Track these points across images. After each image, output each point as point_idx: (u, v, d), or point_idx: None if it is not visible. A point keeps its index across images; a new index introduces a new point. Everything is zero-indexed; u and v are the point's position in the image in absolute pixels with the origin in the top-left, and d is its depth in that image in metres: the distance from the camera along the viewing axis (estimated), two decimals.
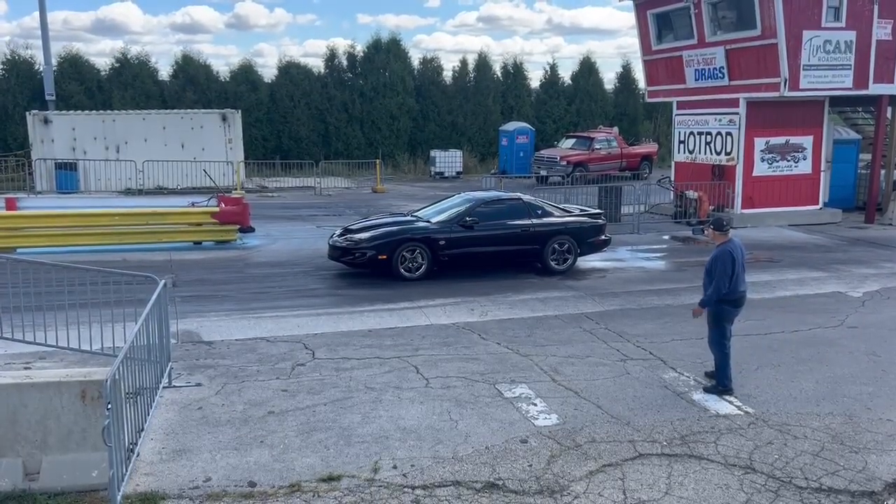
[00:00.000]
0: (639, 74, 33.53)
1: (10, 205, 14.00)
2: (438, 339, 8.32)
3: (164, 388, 6.38)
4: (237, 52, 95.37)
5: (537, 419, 6.10)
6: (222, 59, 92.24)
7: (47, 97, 26.70)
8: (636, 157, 28.79)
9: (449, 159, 30.26)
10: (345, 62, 34.65)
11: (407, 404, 6.35)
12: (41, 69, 28.62)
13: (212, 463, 5.19)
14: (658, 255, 14.14)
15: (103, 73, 31.98)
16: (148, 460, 5.18)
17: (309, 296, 10.40)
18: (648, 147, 30.30)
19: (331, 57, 34.33)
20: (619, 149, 28.27)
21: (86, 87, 30.45)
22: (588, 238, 12.48)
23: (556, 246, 12.17)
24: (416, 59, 35.85)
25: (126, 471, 4.67)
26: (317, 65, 35.10)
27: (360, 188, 26.13)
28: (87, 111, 26.19)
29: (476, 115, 34.91)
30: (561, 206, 13.40)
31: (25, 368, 6.61)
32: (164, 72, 33.41)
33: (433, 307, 9.74)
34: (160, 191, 22.60)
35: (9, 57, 30.93)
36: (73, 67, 30.89)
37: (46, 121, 24.15)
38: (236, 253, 13.52)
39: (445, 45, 69.02)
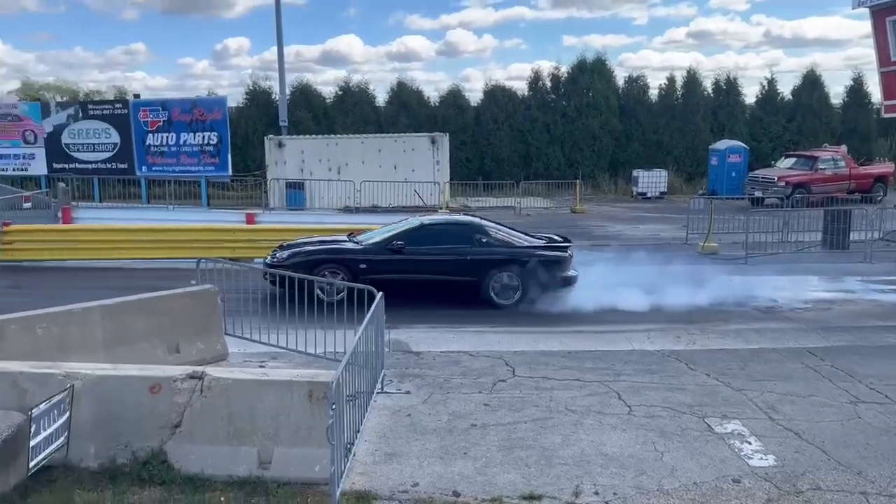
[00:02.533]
0: (873, 88, 30.31)
1: (250, 219, 15.74)
2: (641, 365, 8.04)
3: (377, 393, 6.77)
4: (445, 78, 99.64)
5: (752, 459, 5.67)
6: (432, 85, 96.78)
7: (281, 123, 29.64)
8: (868, 179, 25.89)
9: (652, 179, 29.30)
10: (548, 84, 34.84)
11: (609, 430, 6.20)
12: (276, 98, 31.88)
13: (419, 469, 5.42)
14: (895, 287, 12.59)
15: (328, 101, 34.89)
16: (362, 461, 5.52)
17: (509, 313, 10.52)
18: (883, 167, 27.13)
19: (535, 79, 34.70)
20: (848, 169, 25.60)
21: (313, 114, 33.41)
22: (539, 273, 10.75)
23: (497, 279, 10.84)
24: (620, 78, 35.12)
25: (344, 469, 5.01)
26: (520, 87, 35.61)
27: (559, 208, 26.07)
28: (313, 136, 28.74)
29: (683, 134, 33.46)
30: (526, 235, 11.82)
31: (260, 367, 7.35)
32: (381, 98, 35.70)
33: (636, 332, 9.44)
34: (374, 209, 24.14)
35: (251, 88, 34.84)
36: (304, 96, 34.04)
37: (280, 144, 26.86)
38: None
39: (652, 62, 66.98)
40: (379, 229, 12.07)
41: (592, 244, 17.49)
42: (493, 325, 9.80)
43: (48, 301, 10.15)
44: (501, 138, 33.44)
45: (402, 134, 28.49)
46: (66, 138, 28.50)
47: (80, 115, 28.55)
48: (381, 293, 6.89)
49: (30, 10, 73.24)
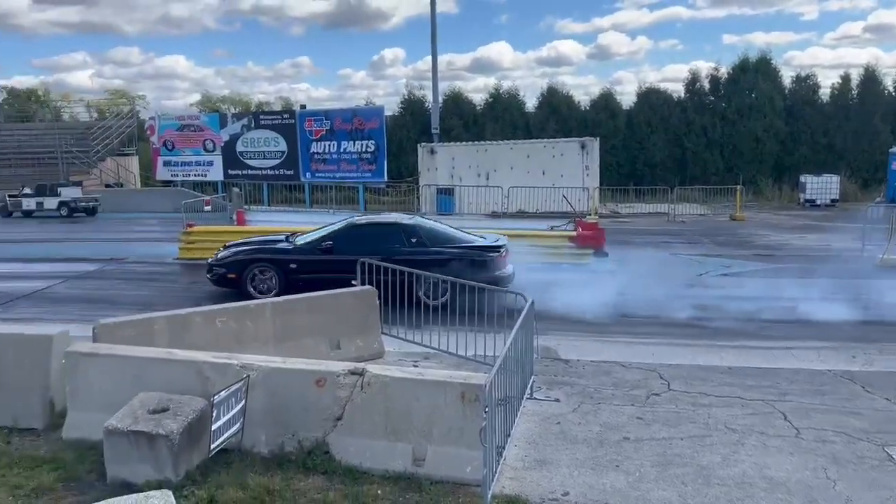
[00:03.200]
0: None
1: None
2: (810, 385, 7.47)
3: (526, 399, 6.77)
4: (596, 82, 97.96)
5: None
6: (582, 89, 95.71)
7: (433, 131, 30.46)
8: None
9: (822, 185, 27.17)
10: (707, 85, 33.35)
11: (774, 453, 5.80)
12: (429, 106, 32.79)
13: (569, 478, 5.35)
14: None
15: (478, 108, 35.43)
16: (512, 465, 5.53)
17: (663, 324, 10.15)
18: None
19: (692, 81, 33.37)
20: None
21: (464, 121, 34.05)
22: (467, 273, 9.87)
23: (426, 280, 10.21)
24: (786, 77, 32.94)
25: (495, 472, 5.05)
26: (676, 89, 34.41)
27: (717, 215, 24.82)
28: (464, 142, 29.27)
29: (859, 136, 30.81)
30: (466, 235, 11.55)
31: (414, 366, 7.57)
32: (530, 104, 35.76)
33: (804, 349, 8.78)
34: (521, 214, 24.18)
35: (406, 97, 36.09)
36: (455, 103, 34.78)
37: (432, 151, 27.58)
38: (590, 276, 13.75)
39: (822, 60, 62.34)
40: (313, 230, 12.06)
41: (754, 254, 16.50)
42: (646, 336, 9.49)
43: (224, 297, 11.11)
44: (655, 142, 32.40)
45: (551, 139, 28.38)
46: (240, 147, 30.89)
47: (253, 125, 30.86)
48: (531, 299, 6.88)
49: (210, 28, 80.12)
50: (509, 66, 70.05)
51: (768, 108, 31.50)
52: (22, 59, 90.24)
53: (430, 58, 30.85)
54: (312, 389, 5.52)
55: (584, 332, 9.67)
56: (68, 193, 26.99)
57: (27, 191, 27.37)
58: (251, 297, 10.64)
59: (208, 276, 11.71)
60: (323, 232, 11.68)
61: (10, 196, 27.39)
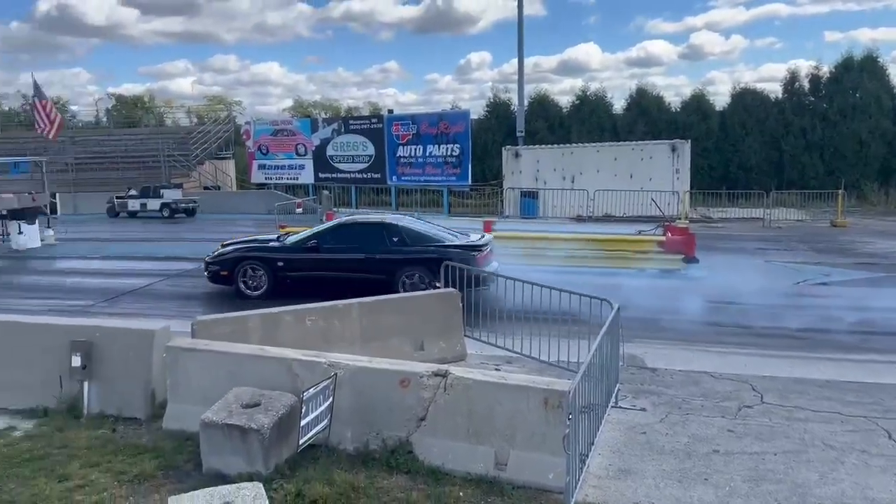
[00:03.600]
0: None
1: (487, 227, 16.26)
2: None
3: (611, 407, 6.65)
4: (687, 83, 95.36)
5: None
6: (672, 90, 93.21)
7: (518, 134, 30.36)
8: None
9: None
10: (806, 85, 31.87)
11: (876, 473, 5.48)
12: (515, 109, 32.70)
13: (655, 490, 5.22)
14: None
15: (564, 110, 35.06)
16: (595, 474, 5.45)
17: (757, 334, 9.75)
18: None
19: (790, 80, 31.96)
20: None
21: (549, 124, 33.77)
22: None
23: (405, 278, 10.90)
24: (894, 76, 31.04)
25: (578, 480, 4.98)
26: (773, 90, 33.02)
27: (816, 221, 23.63)
28: (549, 145, 29.03)
29: None
30: (451, 236, 11.79)
31: (496, 370, 7.56)
32: (618, 105, 35.12)
33: None
34: (607, 218, 23.76)
35: (491, 100, 36.13)
36: (541, 106, 34.54)
37: (517, 155, 27.50)
38: (679, 283, 13.41)
39: None
40: (304, 230, 12.52)
41: (857, 262, 15.62)
42: (738, 346, 9.14)
43: (312, 296, 11.37)
44: (750, 144, 31.20)
45: (639, 141, 27.75)
46: (330, 150, 31.71)
47: (343, 129, 31.62)
48: (617, 305, 6.76)
49: (303, 36, 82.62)
50: (597, 68, 69.10)
51: (874, 108, 29.77)
52: (130, 68, 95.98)
53: (516, 61, 30.87)
54: (397, 389, 5.61)
55: (672, 340, 9.41)
56: (170, 195, 28.43)
57: (132, 192, 29.00)
58: (243, 294, 11.69)
59: (205, 273, 12.12)
60: (310, 231, 12.15)
61: (117, 198, 29.10)
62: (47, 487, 5.00)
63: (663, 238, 14.19)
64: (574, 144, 28.74)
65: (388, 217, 12.46)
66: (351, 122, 32.38)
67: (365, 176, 30.95)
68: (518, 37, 30.25)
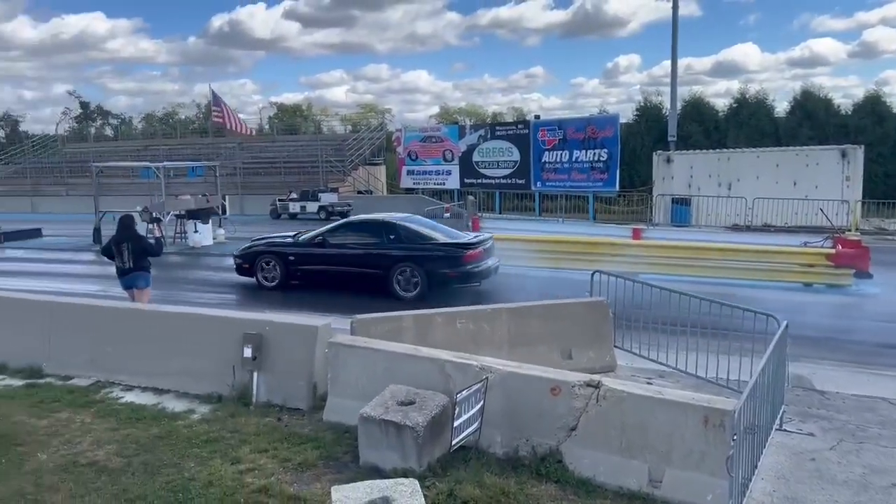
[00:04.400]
0: None
1: (636, 235, 15.82)
2: None
3: (775, 430, 6.24)
4: (857, 83, 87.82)
5: None
6: (840, 91, 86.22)
7: (669, 138, 29.25)
8: None
9: None
10: None
11: None
12: (666, 113, 31.55)
13: None
14: None
15: (720, 114, 33.38)
16: (758, 499, 5.12)
17: None
18: None
19: None
20: None
21: (704, 128, 32.28)
22: (438, 269, 11.76)
23: (400, 273, 11.86)
24: None
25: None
26: None
27: None
28: (703, 150, 27.74)
29: None
30: (451, 234, 12.66)
31: (648, 383, 7.32)
32: (780, 108, 32.96)
33: None
34: (767, 228, 22.34)
35: (641, 104, 35.09)
36: (695, 110, 33.11)
37: (668, 160, 26.51)
38: (850, 299, 12.37)
39: None
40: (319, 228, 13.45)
41: None
42: None
43: (459, 299, 11.60)
44: None
45: (804, 147, 25.88)
46: (476, 156, 32.10)
47: (489, 135, 31.91)
48: (785, 322, 6.33)
49: (451, 44, 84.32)
50: (756, 69, 65.25)
51: None
52: (291, 78, 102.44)
53: (667, 63, 29.80)
54: (547, 397, 5.57)
55: (843, 361, 8.68)
56: (326, 199, 30.00)
57: (293, 196, 30.88)
58: (261, 285, 12.90)
59: (235, 266, 13.40)
60: (321, 229, 13.10)
61: (279, 200, 31.12)
62: (221, 468, 5.41)
63: (832, 251, 13.13)
64: (731, 150, 27.28)
65: (387, 216, 13.27)
66: (497, 128, 32.61)
67: (509, 181, 31.04)
68: (672, 38, 29.18)
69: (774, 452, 5.91)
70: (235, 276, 13.87)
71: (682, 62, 67.57)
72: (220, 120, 34.67)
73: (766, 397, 5.76)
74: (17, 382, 7.60)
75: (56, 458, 5.66)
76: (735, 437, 4.31)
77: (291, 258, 12.71)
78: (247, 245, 13.73)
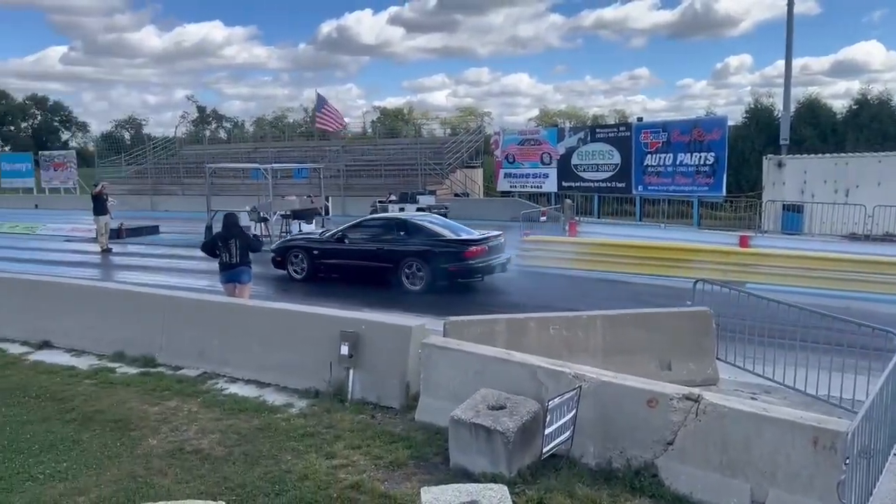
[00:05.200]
0: None
1: (743, 242, 15.12)
2: None
3: (893, 455, 5.78)
4: None
5: None
6: None
7: (781, 142, 27.77)
8: None
9: None
10: None
11: None
12: (778, 115, 30.00)
13: None
14: None
15: (838, 116, 31.46)
16: None
17: None
18: None
19: None
20: None
21: (819, 131, 30.52)
22: (440, 264, 12.66)
23: (407, 268, 12.83)
24: None
25: None
26: None
27: None
28: (819, 154, 26.19)
29: None
30: (451, 231, 13.46)
31: (752, 398, 6.96)
32: None
33: None
34: (888, 237, 20.81)
35: (751, 105, 33.55)
36: (810, 112, 31.36)
37: (780, 164, 25.19)
38: None
39: None
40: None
41: None
42: None
43: (553, 304, 11.49)
44: None
45: None
46: (575, 159, 31.64)
47: (589, 138, 31.37)
48: None
49: (553, 46, 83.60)
50: (879, 68, 61.09)
51: None
52: (394, 82, 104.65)
53: (781, 63, 28.34)
54: (643, 409, 5.40)
55: None
56: (424, 201, 30.34)
57: (392, 197, 31.44)
58: (292, 278, 13.98)
59: (271, 260, 14.33)
60: (343, 226, 14.27)
61: (378, 202, 31.73)
62: (316, 463, 5.55)
63: None
64: (850, 154, 25.59)
65: (407, 215, 14.95)
66: (598, 130, 32.00)
67: (609, 185, 30.37)
68: (786, 36, 27.66)
69: (892, 479, 5.48)
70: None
71: (798, 62, 64.16)
72: (324, 125, 35.85)
73: (884, 419, 5.35)
74: (133, 370, 8.09)
75: (164, 443, 5.98)
76: (848, 461, 4.02)
77: (316, 252, 13.74)
78: (282, 241, 15.14)
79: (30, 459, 5.66)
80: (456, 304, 12.29)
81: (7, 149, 67.73)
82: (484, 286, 14.15)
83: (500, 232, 14.43)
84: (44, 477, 5.37)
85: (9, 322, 9.69)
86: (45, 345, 9.15)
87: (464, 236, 13.45)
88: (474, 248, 13.03)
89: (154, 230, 25.32)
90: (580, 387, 5.46)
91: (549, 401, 5.20)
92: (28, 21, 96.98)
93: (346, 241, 13.69)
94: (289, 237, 15.26)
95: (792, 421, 4.89)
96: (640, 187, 29.29)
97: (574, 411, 5.39)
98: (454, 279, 13.00)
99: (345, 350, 6.99)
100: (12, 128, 74.73)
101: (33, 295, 9.88)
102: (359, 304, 11.40)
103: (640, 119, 32.17)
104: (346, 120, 38.37)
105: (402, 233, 13.34)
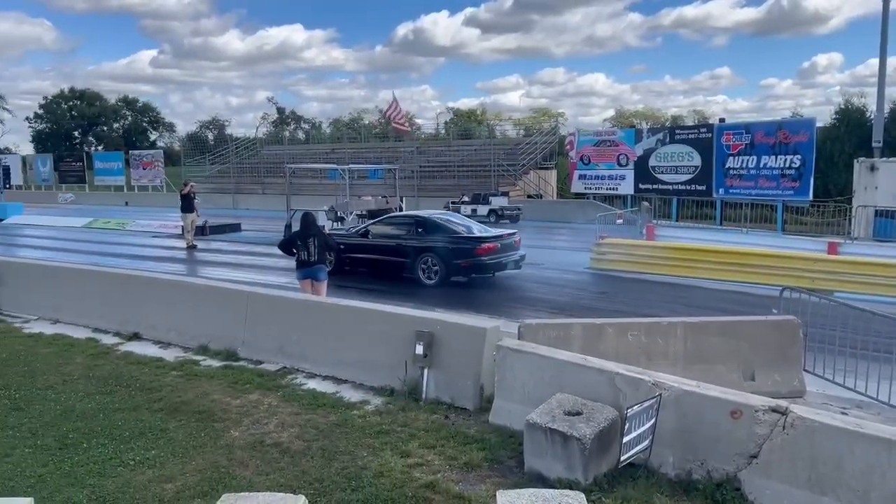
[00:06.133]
0: None
1: (832, 249, 14.44)
2: None
3: None
4: None
5: None
6: None
7: (874, 144, 26.40)
8: None
9: None
10: None
11: None
12: (871, 116, 28.54)
13: None
14: None
15: None
16: None
17: None
18: None
19: None
20: None
21: None
22: (453, 259, 13.31)
23: (423, 263, 13.48)
24: None
25: None
26: None
27: None
28: None
29: None
30: (465, 228, 14.07)
31: (842, 413, 6.64)
32: None
33: None
34: None
35: (842, 106, 32.04)
36: None
37: (873, 168, 23.96)
38: None
39: None
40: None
41: None
42: None
43: (630, 309, 11.28)
44: None
45: None
46: (652, 161, 30.98)
47: (668, 139, 30.66)
48: None
49: (630, 45, 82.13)
50: None
51: None
52: (467, 83, 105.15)
53: (874, 61, 26.90)
54: (726, 420, 5.22)
55: None
56: (497, 202, 30.34)
57: (465, 199, 31.54)
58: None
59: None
60: (367, 223, 15.15)
61: (451, 203, 31.88)
62: (391, 460, 5.61)
63: None
64: None
65: (426, 213, 15.13)
66: (677, 131, 31.23)
67: (688, 188, 29.60)
68: (881, 33, 26.27)
69: None
70: None
71: (892, 61, 60.79)
72: (399, 125, 36.30)
73: None
74: (217, 363, 8.38)
75: (246, 435, 6.17)
76: None
77: (342, 246, 14.14)
78: None
79: (121, 446, 5.93)
80: (526, 305, 12.25)
81: (100, 148, 71.49)
82: (556, 288, 14.03)
83: (515, 230, 15.23)
84: (134, 463, 5.62)
85: (102, 314, 10.19)
86: (135, 336, 9.57)
87: (477, 234, 14.08)
88: (486, 244, 13.61)
89: (236, 228, 26.20)
90: (660, 395, 5.33)
91: (627, 408, 5.09)
92: (121, 26, 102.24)
93: (369, 236, 14.38)
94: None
95: (888, 438, 4.64)
96: (721, 190, 28.43)
97: (653, 420, 5.26)
98: (467, 274, 13.68)
99: (420, 349, 7.04)
100: (105, 128, 78.82)
101: (125, 289, 10.35)
102: (420, 302, 11.50)
103: (721, 120, 31.20)
104: (417, 121, 38.74)
105: (420, 229, 13.95)
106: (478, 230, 14.36)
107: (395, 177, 25.64)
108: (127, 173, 48.97)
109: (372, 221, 15.21)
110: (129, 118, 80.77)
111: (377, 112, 68.22)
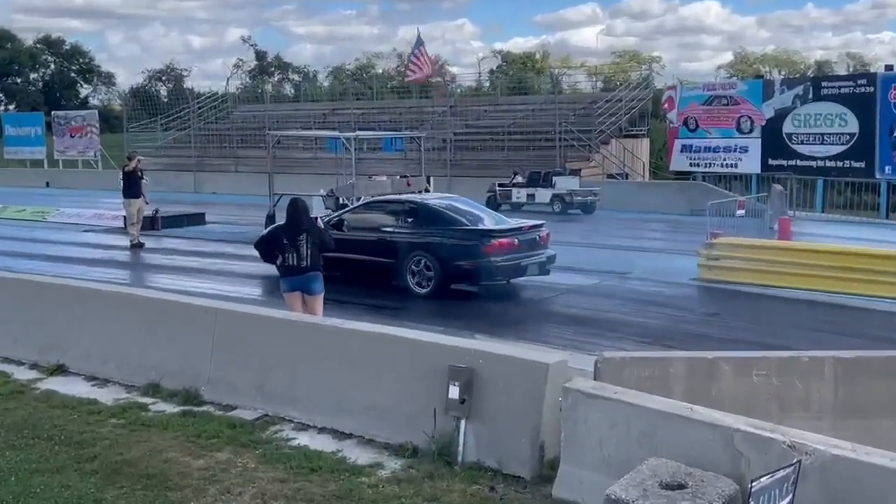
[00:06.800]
0: None
1: None
2: None
3: None
4: None
5: None
6: None
7: None
8: None
9: None
10: None
11: None
12: None
13: None
14: None
15: None
16: None
17: None
18: None
19: None
20: None
21: None
22: (452, 259, 13.42)
23: (413, 264, 13.63)
24: None
25: None
26: None
27: None
28: None
29: None
30: (469, 218, 14.41)
31: None
32: None
33: None
34: None
35: None
36: None
37: None
38: None
39: None
40: None
41: None
42: None
43: (753, 339, 11.17)
44: None
45: None
46: (787, 126, 30.66)
47: (811, 95, 30.30)
48: None
49: None
50: None
51: None
52: (523, 16, 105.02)
53: None
54: None
55: None
56: (563, 185, 30.21)
57: (518, 180, 31.49)
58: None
59: None
60: (343, 211, 15.77)
61: (499, 185, 31.81)
62: None
63: None
64: None
65: (411, 196, 15.86)
66: (824, 83, 30.87)
67: (840, 164, 29.24)
68: None
69: None
70: None
71: None
72: (415, 74, 36.53)
73: None
74: (172, 408, 8.49)
75: None
76: None
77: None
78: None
79: None
80: (604, 331, 12.21)
81: (12, 108, 72.91)
82: (648, 306, 13.94)
83: (543, 222, 15.43)
84: None
85: (14, 338, 10.37)
86: (60, 369, 9.74)
87: (486, 226, 14.27)
88: (498, 240, 13.62)
89: (199, 219, 26.53)
90: (799, 461, 5.28)
91: (752, 481, 5.05)
92: None
93: (343, 228, 14.58)
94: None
95: None
96: (887, 168, 28.01)
97: (790, 496, 5.21)
98: (471, 280, 13.88)
99: (454, 392, 7.04)
100: (19, 80, 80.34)
101: (45, 303, 10.54)
102: (446, 323, 11.65)
103: (889, 67, 30.72)
104: (451, 69, 38.97)
105: (410, 219, 14.31)
106: (490, 221, 14.58)
107: (419, 148, 25.65)
108: (49, 142, 49.83)
109: (347, 209, 15.65)
110: (52, 66, 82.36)
111: (395, 57, 68.61)
